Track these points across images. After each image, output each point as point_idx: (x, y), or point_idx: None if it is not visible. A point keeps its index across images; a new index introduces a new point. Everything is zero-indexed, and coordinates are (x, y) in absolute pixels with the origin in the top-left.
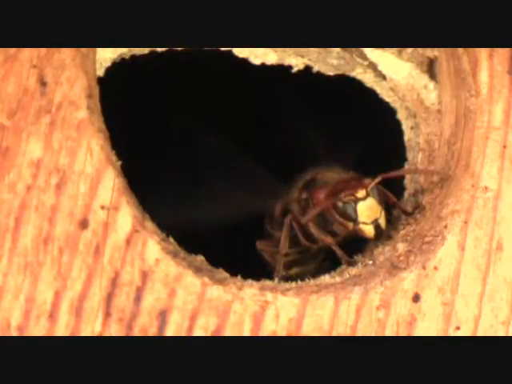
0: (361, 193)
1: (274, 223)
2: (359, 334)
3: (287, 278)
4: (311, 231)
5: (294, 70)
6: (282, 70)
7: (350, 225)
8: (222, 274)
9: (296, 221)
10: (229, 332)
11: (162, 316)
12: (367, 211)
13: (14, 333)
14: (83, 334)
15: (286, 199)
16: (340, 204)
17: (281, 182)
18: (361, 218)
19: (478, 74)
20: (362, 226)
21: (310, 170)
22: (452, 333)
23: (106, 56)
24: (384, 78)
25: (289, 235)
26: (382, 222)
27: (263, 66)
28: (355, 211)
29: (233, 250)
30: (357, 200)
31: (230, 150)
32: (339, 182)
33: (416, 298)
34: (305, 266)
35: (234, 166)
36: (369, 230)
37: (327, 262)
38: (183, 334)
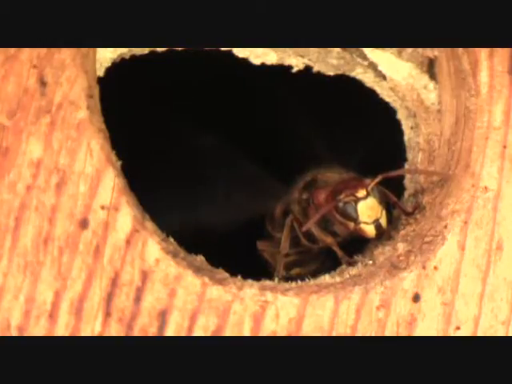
0: (361, 192)
1: (274, 224)
2: (359, 334)
3: (288, 279)
4: (312, 231)
5: (294, 70)
6: (282, 70)
7: (351, 225)
8: (222, 274)
9: (297, 222)
10: (229, 332)
11: (162, 316)
12: (368, 211)
13: (14, 333)
14: (83, 334)
15: (287, 200)
16: (341, 204)
17: (281, 182)
18: (362, 218)
19: (478, 74)
20: (362, 226)
21: (311, 170)
22: (452, 333)
23: (106, 56)
24: (384, 78)
25: (290, 236)
26: (383, 222)
27: (263, 65)
28: (356, 211)
29: (233, 250)
30: (357, 200)
31: (231, 150)
32: (339, 183)
33: (416, 298)
34: (306, 267)
35: (235, 167)
36: (370, 230)
37: (328, 262)
38: (183, 334)
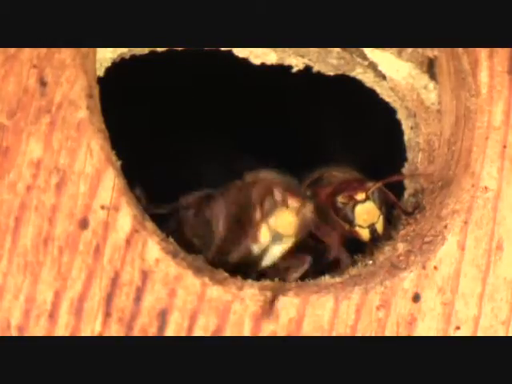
0: (360, 195)
1: None
2: (359, 334)
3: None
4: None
5: (294, 69)
6: (282, 69)
7: (346, 226)
8: (222, 274)
9: None
10: (229, 332)
11: (162, 316)
12: (364, 215)
13: (14, 333)
14: (83, 334)
15: None
16: (338, 205)
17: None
18: (357, 221)
19: (478, 74)
20: (357, 229)
21: (319, 168)
22: (452, 333)
23: (106, 56)
24: (384, 77)
25: None
26: (379, 227)
27: (263, 65)
28: (352, 213)
29: None
30: (355, 203)
31: (230, 150)
32: (341, 183)
33: (416, 298)
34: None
35: (234, 166)
36: (364, 234)
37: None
38: (183, 334)
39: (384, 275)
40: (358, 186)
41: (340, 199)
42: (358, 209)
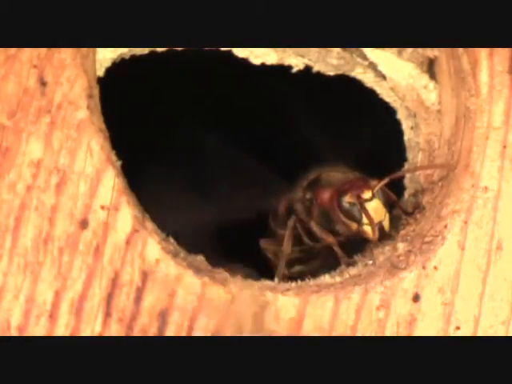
0: (367, 194)
1: (277, 220)
2: (359, 334)
3: (289, 277)
4: (313, 230)
5: (294, 69)
6: (282, 69)
7: (354, 226)
8: (222, 273)
9: (300, 222)
10: (229, 332)
11: (162, 316)
12: (372, 213)
13: (14, 333)
14: (83, 334)
15: (291, 197)
16: (345, 205)
17: (282, 180)
18: (365, 220)
19: (477, 74)
20: (365, 228)
21: (315, 168)
22: (452, 333)
23: (106, 56)
24: (384, 78)
25: (292, 237)
26: (386, 224)
27: (263, 65)
28: (360, 213)
29: (234, 250)
30: (363, 201)
31: (230, 150)
32: (345, 183)
33: (416, 298)
34: (307, 265)
35: (235, 166)
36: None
37: (330, 260)
38: (183, 334)
39: (384, 275)
40: (363, 185)
41: (347, 199)
42: (366, 207)
